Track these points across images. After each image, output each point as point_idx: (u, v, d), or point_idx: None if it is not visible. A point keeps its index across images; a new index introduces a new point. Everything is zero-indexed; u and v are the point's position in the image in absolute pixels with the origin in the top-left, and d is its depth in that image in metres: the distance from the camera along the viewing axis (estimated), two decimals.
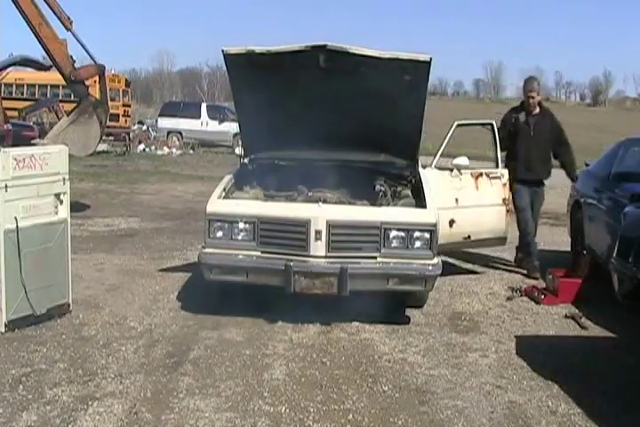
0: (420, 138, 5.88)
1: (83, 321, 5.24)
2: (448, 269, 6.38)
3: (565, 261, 7.12)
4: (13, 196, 4.80)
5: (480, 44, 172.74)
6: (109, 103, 13.34)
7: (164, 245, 8.26)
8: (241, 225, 5.25)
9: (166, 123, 27.14)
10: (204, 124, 26.82)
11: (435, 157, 6.88)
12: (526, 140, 7.19)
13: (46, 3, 10.05)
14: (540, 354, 4.88)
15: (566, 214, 7.93)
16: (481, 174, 6.87)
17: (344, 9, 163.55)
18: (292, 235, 5.18)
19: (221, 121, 26.46)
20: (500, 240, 6.97)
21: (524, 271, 7.26)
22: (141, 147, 24.80)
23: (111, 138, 23.12)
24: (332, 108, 5.58)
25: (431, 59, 5.14)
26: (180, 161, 21.16)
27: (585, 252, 6.82)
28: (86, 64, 10.99)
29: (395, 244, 5.17)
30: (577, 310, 5.94)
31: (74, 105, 11.29)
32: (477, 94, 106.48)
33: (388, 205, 5.68)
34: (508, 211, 6.92)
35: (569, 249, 7.72)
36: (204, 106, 28.43)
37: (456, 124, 7.02)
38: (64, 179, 5.20)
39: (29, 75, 22.84)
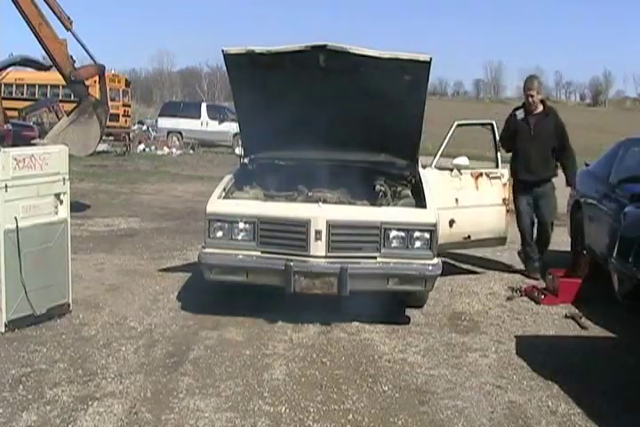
0: (420, 138, 5.88)
1: (83, 321, 5.24)
2: (448, 269, 6.39)
3: (565, 261, 7.11)
4: (13, 196, 4.80)
5: (480, 44, 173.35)
6: (109, 103, 13.34)
7: (163, 245, 8.26)
8: (241, 225, 5.25)
9: (166, 123, 27.10)
10: (204, 124, 26.79)
11: (435, 157, 6.87)
12: (526, 140, 7.04)
13: (46, 3, 10.06)
14: (539, 354, 4.87)
15: (566, 214, 7.92)
16: (481, 174, 6.87)
17: (344, 9, 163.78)
18: (292, 235, 5.18)
19: (221, 121, 26.43)
20: (500, 240, 6.98)
21: (524, 271, 7.26)
22: (141, 147, 24.78)
23: (111, 138, 23.13)
24: (332, 108, 5.57)
25: (431, 59, 5.14)
26: (179, 161, 21.15)
27: (585, 252, 6.81)
28: (86, 64, 11.01)
29: (395, 244, 5.18)
30: (577, 310, 5.94)
31: (74, 105, 11.29)
32: (477, 94, 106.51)
33: (388, 205, 5.68)
34: (507, 211, 6.92)
35: (569, 249, 7.71)
36: (203, 106, 28.39)
37: (456, 124, 7.02)
38: (64, 179, 5.19)
39: (29, 75, 22.83)
